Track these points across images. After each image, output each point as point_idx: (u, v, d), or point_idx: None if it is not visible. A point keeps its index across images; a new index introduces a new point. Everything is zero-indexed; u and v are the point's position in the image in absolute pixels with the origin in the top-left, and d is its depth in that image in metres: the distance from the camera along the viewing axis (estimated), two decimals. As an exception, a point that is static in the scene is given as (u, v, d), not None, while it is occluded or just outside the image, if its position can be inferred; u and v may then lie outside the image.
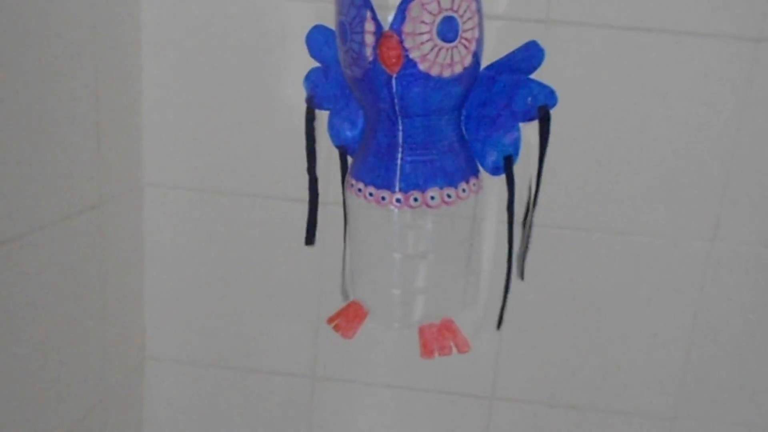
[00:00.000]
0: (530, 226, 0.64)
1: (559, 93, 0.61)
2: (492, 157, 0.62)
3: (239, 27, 0.68)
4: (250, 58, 0.69)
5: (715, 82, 0.65)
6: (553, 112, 0.61)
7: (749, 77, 0.64)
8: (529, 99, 0.60)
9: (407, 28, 0.53)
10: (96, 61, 0.62)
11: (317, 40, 0.64)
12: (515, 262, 0.66)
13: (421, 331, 0.64)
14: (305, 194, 0.69)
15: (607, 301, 0.72)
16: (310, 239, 0.70)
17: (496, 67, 0.60)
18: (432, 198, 0.59)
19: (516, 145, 0.61)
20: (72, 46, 0.58)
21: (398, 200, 0.59)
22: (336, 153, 0.67)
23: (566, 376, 0.75)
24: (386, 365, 0.76)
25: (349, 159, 0.67)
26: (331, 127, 0.66)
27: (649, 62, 0.65)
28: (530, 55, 0.58)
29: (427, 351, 0.63)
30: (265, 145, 0.70)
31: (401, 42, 0.53)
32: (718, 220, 0.69)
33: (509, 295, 0.67)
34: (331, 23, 0.61)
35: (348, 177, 0.63)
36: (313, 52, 0.65)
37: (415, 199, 0.58)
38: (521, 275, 0.67)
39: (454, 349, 0.63)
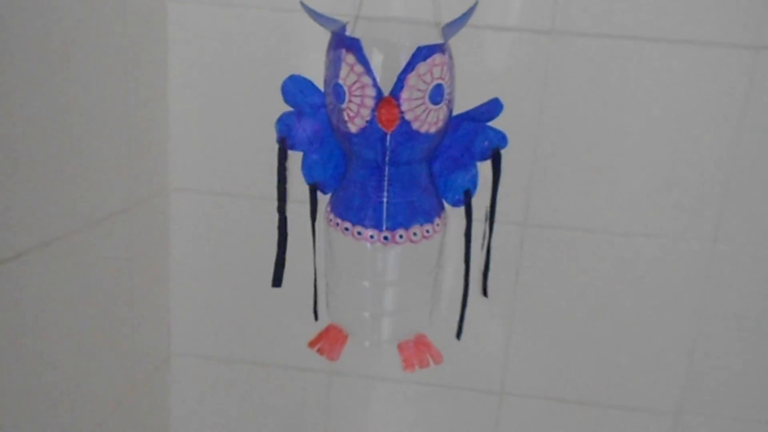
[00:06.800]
0: (488, 250, 0.74)
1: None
2: (454, 192, 0.71)
3: (262, 37, 0.72)
4: (272, 67, 0.72)
5: (716, 88, 0.68)
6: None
7: (749, 83, 0.67)
8: (486, 142, 0.70)
9: (405, 94, 0.60)
10: (125, 72, 0.66)
11: (292, 89, 0.68)
12: (480, 280, 0.75)
13: (400, 348, 0.72)
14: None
15: (612, 299, 0.75)
16: (277, 281, 0.74)
17: (462, 116, 0.68)
18: (414, 234, 0.67)
19: (474, 181, 0.71)
20: (102, 59, 0.62)
21: (386, 238, 0.66)
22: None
23: (573, 373, 0.78)
24: (399, 361, 0.76)
25: (319, 195, 0.72)
26: (305, 167, 0.71)
27: (651, 69, 0.68)
28: (491, 108, 0.67)
29: (408, 366, 0.72)
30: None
31: (399, 106, 0.60)
32: (719, 222, 0.71)
33: (466, 309, 0.74)
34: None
35: (329, 215, 0.69)
36: (288, 99, 0.69)
37: (401, 236, 0.66)
38: (485, 293, 0.75)
39: (431, 361, 0.72)
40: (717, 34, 0.67)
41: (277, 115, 0.70)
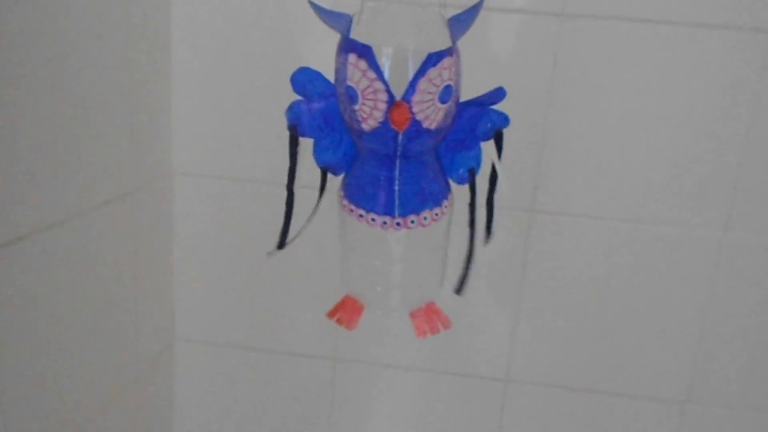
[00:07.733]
0: (491, 207, 0.73)
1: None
2: (460, 170, 0.75)
3: (266, 21, 0.72)
4: (276, 50, 0.73)
5: (730, 72, 0.67)
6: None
7: (763, 68, 0.66)
8: (489, 124, 0.72)
9: (416, 98, 0.62)
10: (129, 55, 0.66)
11: (301, 80, 0.70)
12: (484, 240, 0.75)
13: (412, 317, 0.78)
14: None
15: (620, 287, 0.75)
16: (281, 244, 0.76)
17: (467, 102, 0.71)
18: (425, 219, 0.71)
19: (478, 160, 0.74)
20: (107, 44, 0.62)
21: (398, 224, 0.70)
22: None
23: (579, 360, 0.78)
24: (405, 348, 0.80)
25: (329, 176, 0.75)
26: (316, 152, 0.74)
27: (664, 53, 0.67)
28: (494, 96, 0.70)
29: (420, 332, 0.78)
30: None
31: (410, 109, 0.63)
32: (730, 209, 0.70)
33: (470, 267, 0.74)
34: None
35: (342, 200, 0.73)
36: (297, 89, 0.70)
37: (412, 222, 0.71)
38: (488, 235, 0.73)
39: (441, 327, 0.79)
40: (731, 17, 0.65)
41: (280, 99, 0.71)
